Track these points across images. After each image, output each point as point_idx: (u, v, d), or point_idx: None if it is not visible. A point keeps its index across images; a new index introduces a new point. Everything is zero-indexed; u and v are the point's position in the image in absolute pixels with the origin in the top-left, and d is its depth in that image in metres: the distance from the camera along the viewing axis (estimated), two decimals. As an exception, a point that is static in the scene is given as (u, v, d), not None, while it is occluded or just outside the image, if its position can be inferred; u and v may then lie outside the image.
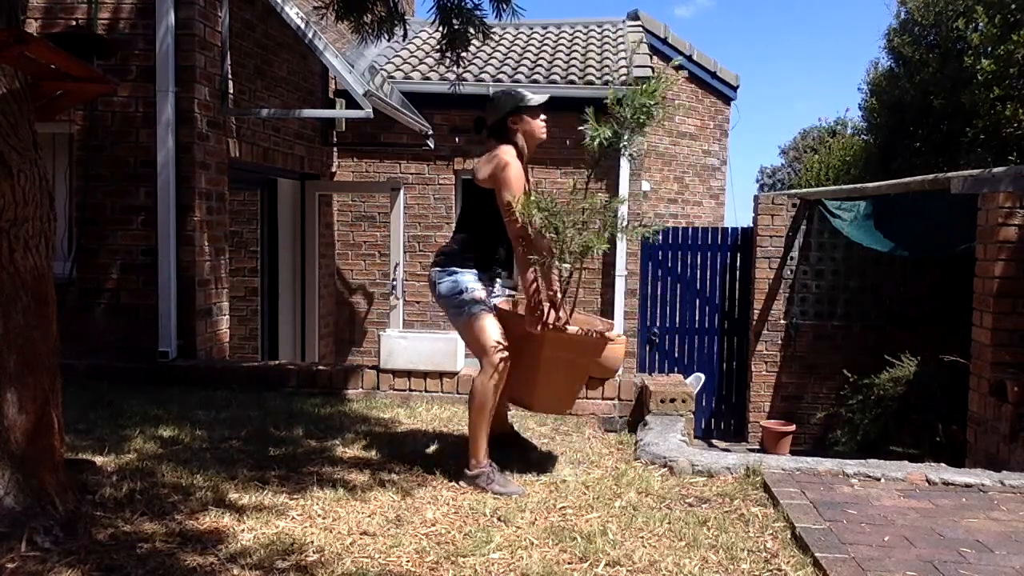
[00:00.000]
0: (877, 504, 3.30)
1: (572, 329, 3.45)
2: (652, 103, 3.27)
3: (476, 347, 3.52)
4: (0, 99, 2.66)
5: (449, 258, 3.57)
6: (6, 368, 2.68)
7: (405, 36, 5.42)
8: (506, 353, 3.44)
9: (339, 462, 3.72)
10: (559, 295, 3.52)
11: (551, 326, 3.39)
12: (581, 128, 3.33)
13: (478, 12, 4.81)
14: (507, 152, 3.48)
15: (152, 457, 3.63)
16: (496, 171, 3.44)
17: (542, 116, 3.62)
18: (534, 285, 3.39)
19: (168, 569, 2.49)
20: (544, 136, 3.65)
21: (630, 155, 3.47)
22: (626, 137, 3.33)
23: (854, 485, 3.55)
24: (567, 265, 3.30)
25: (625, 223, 3.43)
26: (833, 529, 2.97)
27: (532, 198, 3.29)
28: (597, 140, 3.28)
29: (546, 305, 3.42)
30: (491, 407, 3.49)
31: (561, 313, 3.44)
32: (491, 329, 3.47)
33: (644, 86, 3.29)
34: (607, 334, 3.54)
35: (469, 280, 3.50)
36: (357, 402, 5.04)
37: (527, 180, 3.53)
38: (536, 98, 3.60)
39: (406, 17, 5.39)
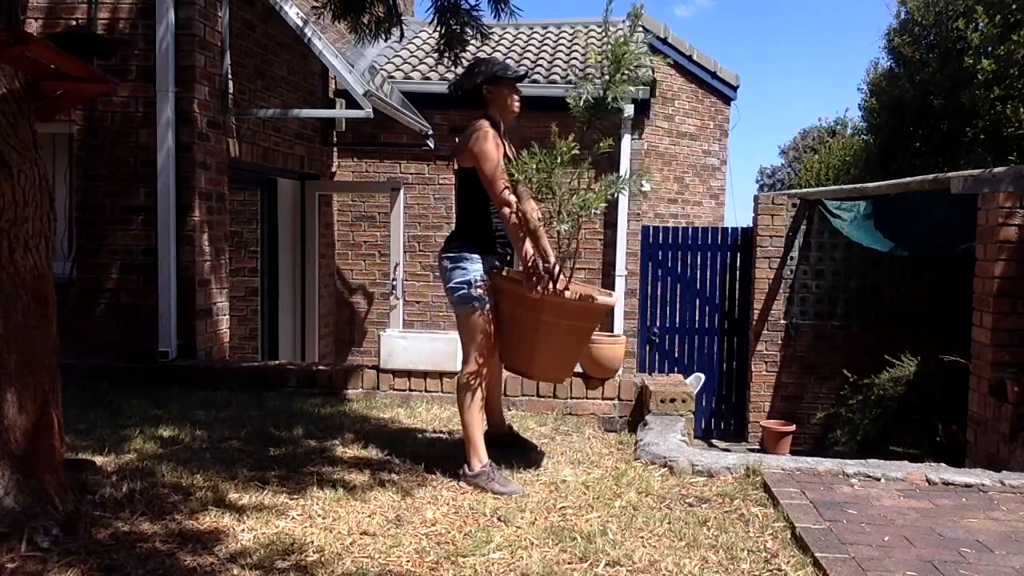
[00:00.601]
0: (877, 504, 3.30)
1: (571, 293, 3.45)
2: (627, 55, 3.27)
3: (466, 341, 3.59)
4: (0, 99, 2.66)
5: (456, 245, 3.60)
6: (6, 368, 2.68)
7: (402, 36, 5.42)
8: (488, 356, 3.52)
9: (339, 462, 3.72)
10: (552, 259, 3.47)
11: (550, 291, 3.39)
12: (568, 99, 3.32)
13: (475, 12, 4.81)
14: (480, 124, 3.51)
15: (152, 457, 3.63)
16: (471, 144, 3.46)
17: (517, 95, 3.64)
18: (529, 250, 3.41)
19: (168, 569, 2.49)
20: (517, 110, 3.67)
21: (619, 110, 3.41)
22: (612, 93, 3.32)
23: (854, 485, 3.54)
24: (565, 227, 3.30)
25: (625, 179, 3.44)
26: (833, 529, 2.97)
27: (528, 154, 3.27)
28: (583, 98, 3.29)
29: (543, 266, 3.42)
30: (479, 402, 3.53)
31: (560, 278, 3.44)
32: (484, 329, 3.52)
33: (619, 41, 3.30)
34: (606, 300, 3.54)
35: (476, 272, 3.52)
36: (357, 402, 5.04)
37: (506, 150, 3.55)
38: (514, 70, 3.63)
39: (404, 17, 5.39)
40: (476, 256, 3.54)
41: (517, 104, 3.65)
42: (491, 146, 3.43)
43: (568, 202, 3.27)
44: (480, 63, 3.66)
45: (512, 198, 3.41)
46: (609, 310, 3.76)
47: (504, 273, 3.63)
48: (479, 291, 3.51)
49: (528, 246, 3.43)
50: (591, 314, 3.63)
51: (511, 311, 3.54)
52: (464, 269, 3.53)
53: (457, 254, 3.56)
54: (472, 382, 3.52)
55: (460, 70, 4.26)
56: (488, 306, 3.52)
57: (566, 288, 3.44)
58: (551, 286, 3.39)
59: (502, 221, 3.53)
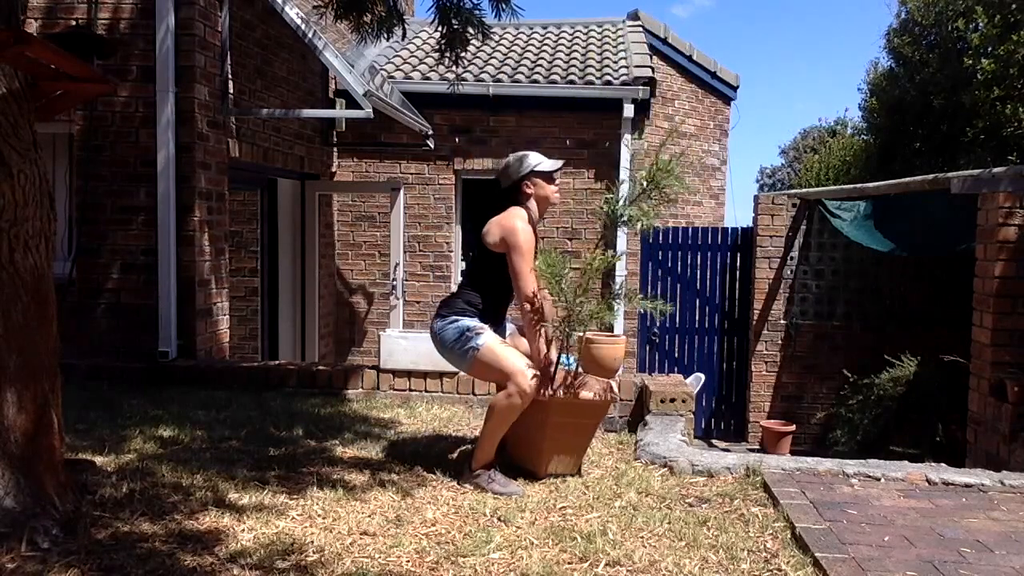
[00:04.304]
0: (877, 504, 3.30)
1: (583, 394, 3.48)
2: (668, 184, 3.41)
3: (499, 376, 3.47)
4: (0, 99, 2.66)
5: (453, 310, 3.57)
6: (6, 368, 2.68)
7: (404, 36, 5.43)
8: (534, 373, 3.36)
9: (339, 462, 3.72)
10: (554, 358, 3.48)
11: (560, 392, 3.42)
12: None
13: (477, 12, 4.81)
14: (517, 216, 3.50)
15: (152, 457, 3.63)
16: (506, 235, 3.45)
17: (556, 181, 3.67)
18: (543, 348, 3.41)
19: (168, 569, 2.49)
20: (557, 200, 3.77)
21: (637, 223, 3.57)
22: (637, 211, 3.48)
23: (854, 485, 3.55)
24: (577, 335, 3.40)
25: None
26: (833, 529, 2.97)
27: (542, 258, 3.33)
28: (606, 210, 3.50)
29: (551, 366, 3.44)
30: (509, 425, 3.45)
31: (569, 379, 3.48)
32: (507, 352, 3.43)
33: (663, 166, 3.40)
34: (609, 394, 3.58)
35: (470, 321, 3.50)
36: (357, 402, 5.03)
37: (536, 240, 3.55)
38: (549, 163, 3.62)
39: (405, 17, 5.39)
40: (468, 316, 3.52)
41: (556, 194, 3.68)
42: (526, 242, 3.42)
43: (581, 312, 3.36)
44: (514, 160, 3.62)
45: (537, 296, 3.39)
46: (614, 403, 3.90)
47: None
48: (474, 330, 3.45)
49: (542, 343, 3.42)
50: (599, 410, 3.65)
51: None
52: (457, 321, 3.51)
53: (450, 315, 3.55)
54: (512, 409, 3.38)
55: (461, 71, 4.26)
56: (488, 338, 3.44)
57: (577, 389, 3.48)
58: (560, 384, 3.43)
59: (522, 315, 3.50)
